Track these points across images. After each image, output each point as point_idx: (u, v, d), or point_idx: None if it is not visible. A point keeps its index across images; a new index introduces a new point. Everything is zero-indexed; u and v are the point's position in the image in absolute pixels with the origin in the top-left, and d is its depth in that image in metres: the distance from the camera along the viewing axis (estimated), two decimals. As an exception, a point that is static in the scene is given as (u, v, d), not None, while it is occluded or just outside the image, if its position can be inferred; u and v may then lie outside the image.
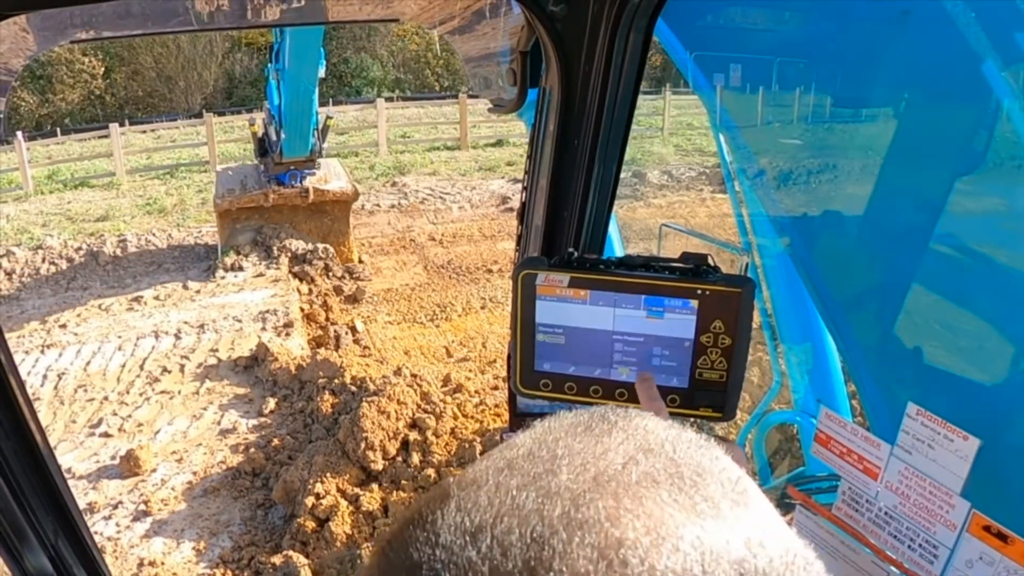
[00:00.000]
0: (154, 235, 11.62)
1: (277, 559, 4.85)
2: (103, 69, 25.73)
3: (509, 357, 1.00)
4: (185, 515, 5.48)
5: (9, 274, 10.19)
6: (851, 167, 1.65)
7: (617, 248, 3.08)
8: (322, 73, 9.27)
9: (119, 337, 8.37)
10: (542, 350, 0.95)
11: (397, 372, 6.60)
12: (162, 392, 7.16)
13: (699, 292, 0.87)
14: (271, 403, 6.80)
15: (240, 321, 8.61)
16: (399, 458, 5.67)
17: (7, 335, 1.13)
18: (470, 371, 7.53)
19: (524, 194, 1.63)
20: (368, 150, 17.92)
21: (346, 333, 8.58)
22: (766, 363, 2.90)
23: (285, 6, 1.58)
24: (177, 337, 8.29)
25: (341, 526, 5.06)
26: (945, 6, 1.20)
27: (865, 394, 1.59)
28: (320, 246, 10.52)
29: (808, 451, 2.19)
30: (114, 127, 16.17)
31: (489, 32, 1.81)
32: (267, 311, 8.81)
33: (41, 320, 8.93)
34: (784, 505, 1.81)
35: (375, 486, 5.45)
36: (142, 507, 5.50)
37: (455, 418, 6.01)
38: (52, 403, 7.01)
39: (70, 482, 2.63)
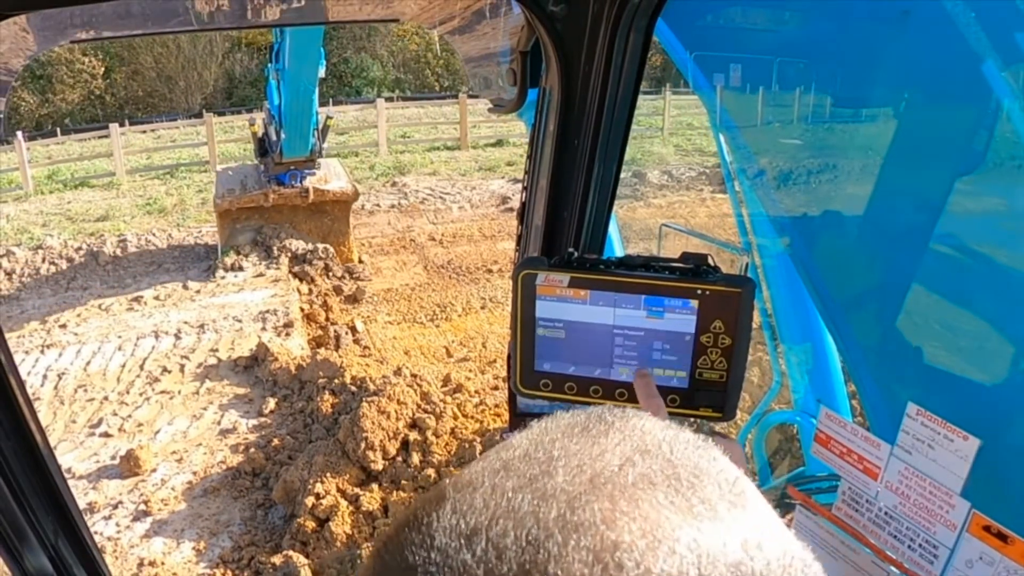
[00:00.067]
0: (154, 235, 11.62)
1: (277, 559, 4.86)
2: (103, 69, 25.73)
3: (509, 357, 1.00)
4: (185, 515, 5.48)
5: (9, 274, 10.20)
6: (851, 167, 1.65)
7: (617, 248, 3.08)
8: (322, 73, 9.27)
9: (119, 337, 8.37)
10: (542, 349, 0.95)
11: (397, 372, 6.60)
12: (162, 392, 7.16)
13: (699, 292, 0.87)
14: (271, 403, 6.80)
15: (240, 321, 8.61)
16: (399, 458, 5.67)
17: (7, 335, 1.13)
18: (470, 371, 7.53)
19: (524, 194, 1.63)
20: (368, 150, 17.92)
21: (346, 333, 8.58)
22: (766, 363, 2.90)
23: (285, 6, 1.58)
24: (177, 337, 8.29)
25: (341, 526, 5.06)
26: (945, 6, 1.20)
27: (865, 394, 1.59)
28: (320, 246, 10.52)
29: (808, 451, 2.19)
30: (114, 127, 16.17)
31: (489, 32, 1.81)
32: (267, 311, 8.81)
33: (41, 320, 8.94)
34: (784, 505, 1.81)
35: (375, 486, 5.45)
36: (142, 507, 5.50)
37: (455, 418, 6.01)
38: (52, 403, 7.01)
39: (70, 482, 2.63)
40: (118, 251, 10.98)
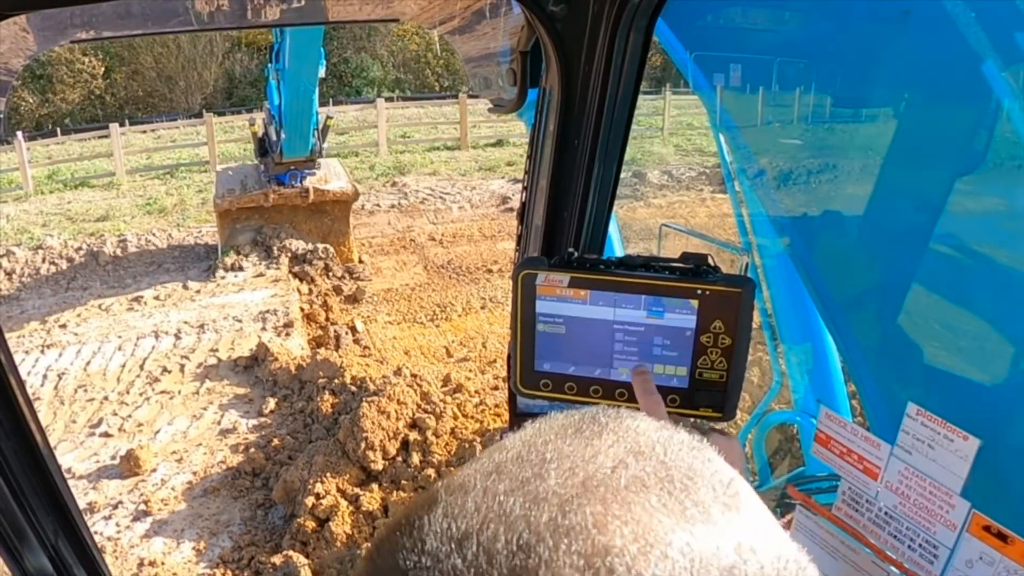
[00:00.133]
0: (154, 235, 11.62)
1: (277, 559, 4.86)
2: (103, 69, 25.73)
3: (509, 357, 1.00)
4: (185, 515, 5.48)
5: (9, 274, 10.20)
6: (851, 167, 1.65)
7: (617, 248, 3.08)
8: (322, 73, 9.27)
9: (119, 337, 8.37)
10: (542, 349, 0.95)
11: (397, 372, 6.60)
12: (162, 392, 7.16)
13: (699, 292, 0.87)
14: (271, 403, 6.80)
15: (240, 321, 8.61)
16: (399, 458, 5.67)
17: (7, 335, 1.13)
18: (470, 371, 7.53)
19: (524, 194, 1.63)
20: (368, 150, 17.92)
21: (346, 333, 8.58)
22: (766, 363, 2.90)
23: (285, 6, 1.58)
24: (177, 337, 8.29)
25: (341, 526, 5.06)
26: (945, 6, 1.20)
27: (865, 394, 1.59)
28: (320, 246, 10.52)
29: (808, 451, 2.19)
30: (114, 127, 16.17)
31: (489, 32, 1.81)
32: (267, 311, 8.81)
33: (41, 320, 8.94)
34: (784, 505, 1.81)
35: (375, 486, 5.45)
36: (142, 507, 5.50)
37: (455, 418, 6.01)
38: (52, 403, 7.01)
39: (70, 482, 2.63)
40: (118, 251, 10.98)
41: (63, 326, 8.73)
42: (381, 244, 12.03)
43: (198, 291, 9.64)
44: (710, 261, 0.89)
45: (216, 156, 16.08)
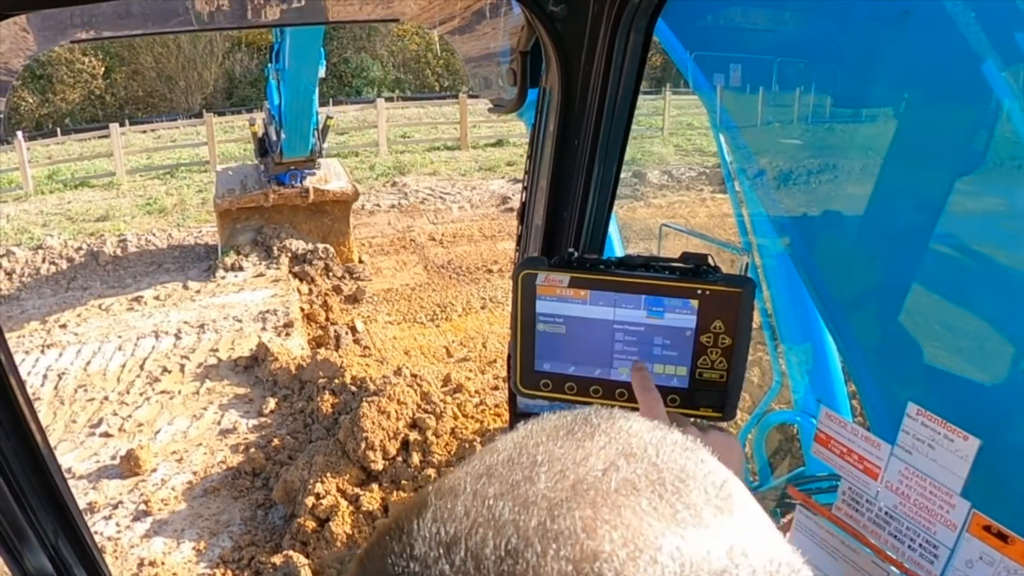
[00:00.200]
0: (154, 235, 11.63)
1: (277, 559, 4.86)
2: (103, 69, 25.73)
3: (509, 357, 1.00)
4: (185, 515, 5.48)
5: (9, 274, 10.20)
6: (851, 167, 1.65)
7: (617, 248, 3.08)
8: (322, 73, 9.27)
9: (119, 337, 8.37)
10: (542, 349, 0.95)
11: (397, 372, 6.60)
12: (162, 392, 7.16)
13: (699, 292, 0.87)
14: (271, 403, 6.80)
15: (240, 321, 8.61)
16: (399, 458, 5.67)
17: (7, 335, 1.13)
18: (470, 371, 7.53)
19: (524, 194, 1.63)
20: (368, 150, 17.92)
21: (346, 333, 8.58)
22: (766, 363, 2.90)
23: (285, 6, 1.58)
24: (177, 337, 8.29)
25: (341, 526, 5.06)
26: (945, 6, 1.20)
27: (865, 394, 1.59)
28: (320, 246, 10.52)
29: (808, 451, 2.19)
30: (114, 127, 16.17)
31: (489, 32, 1.81)
32: (267, 311, 8.81)
33: (41, 320, 8.94)
34: (784, 505, 1.81)
35: (375, 486, 5.45)
36: (142, 507, 5.50)
37: (455, 418, 6.02)
38: (52, 403, 7.01)
39: (70, 482, 2.63)
40: (118, 251, 10.99)
41: (63, 326, 8.73)
42: (381, 244, 12.04)
43: (198, 291, 9.64)
44: (710, 261, 0.89)
45: (216, 156, 16.08)
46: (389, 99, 22.97)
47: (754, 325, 1.08)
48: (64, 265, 10.52)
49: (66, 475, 4.70)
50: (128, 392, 7.19)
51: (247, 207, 10.39)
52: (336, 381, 6.73)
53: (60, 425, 6.64)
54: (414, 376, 6.50)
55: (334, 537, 4.99)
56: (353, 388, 6.55)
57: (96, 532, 5.21)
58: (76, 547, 1.20)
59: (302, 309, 9.16)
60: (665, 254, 1.06)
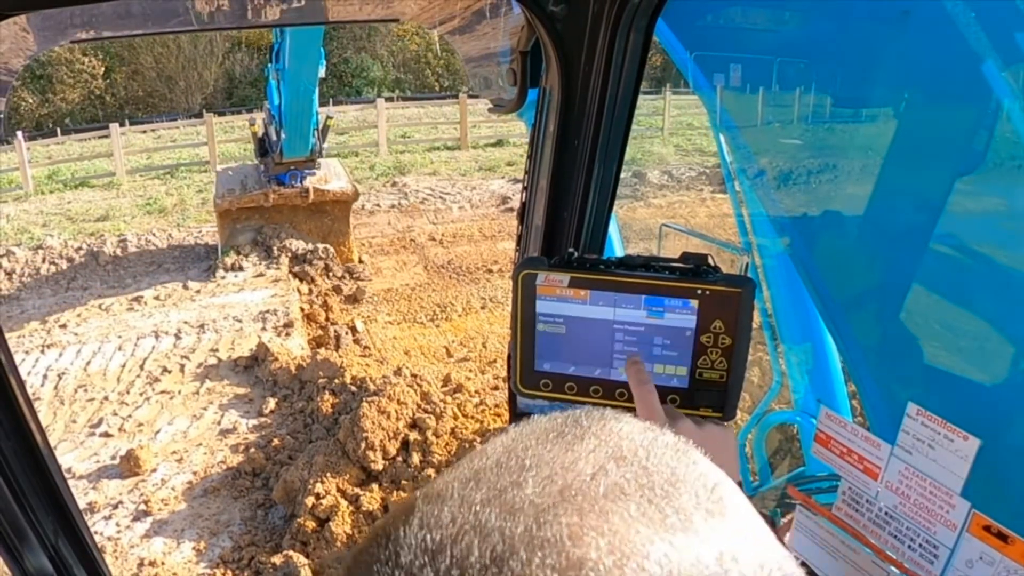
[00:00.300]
0: (154, 235, 11.63)
1: (277, 559, 4.86)
2: (103, 69, 25.73)
3: (509, 357, 1.00)
4: (185, 515, 5.48)
5: (9, 274, 10.20)
6: (851, 167, 1.65)
7: (617, 248, 3.07)
8: (322, 73, 9.27)
9: (119, 337, 8.37)
10: (542, 349, 0.95)
11: (397, 372, 6.60)
12: (162, 392, 7.16)
13: (699, 292, 0.87)
14: (271, 403, 6.80)
15: (240, 321, 8.61)
16: (399, 458, 5.67)
17: (7, 335, 1.13)
18: (470, 371, 7.53)
19: (524, 194, 1.63)
20: (368, 150, 17.92)
21: (346, 333, 8.58)
22: (766, 363, 2.90)
23: (285, 6, 1.58)
24: (177, 337, 8.29)
25: (341, 526, 5.06)
26: (945, 6, 1.20)
27: (865, 394, 1.59)
28: (320, 246, 10.52)
29: (808, 451, 2.19)
30: (114, 127, 16.17)
31: (489, 32, 1.81)
32: (267, 311, 8.81)
33: (41, 320, 8.94)
34: (784, 505, 1.81)
35: (375, 486, 5.45)
36: (142, 507, 5.50)
37: (455, 418, 6.02)
38: (52, 403, 7.01)
39: (70, 482, 2.63)
40: (118, 251, 10.99)
41: (63, 326, 8.73)
42: (381, 244, 12.04)
43: (198, 291, 9.64)
44: (710, 261, 0.89)
45: (216, 156, 16.08)
46: (389, 99, 22.97)
47: (754, 325, 1.08)
48: (64, 265, 10.52)
49: (66, 475, 4.70)
50: (128, 392, 7.19)
51: (247, 207, 10.39)
52: (336, 381, 6.73)
53: (60, 425, 6.64)
54: (414, 376, 6.50)
55: (334, 537, 4.99)
56: (353, 388, 6.55)
57: (96, 532, 5.21)
58: (76, 547, 1.20)
59: (302, 309, 9.16)
60: (665, 254, 1.06)
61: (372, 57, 29.08)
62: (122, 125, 18.70)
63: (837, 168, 1.70)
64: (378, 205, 13.62)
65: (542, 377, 0.96)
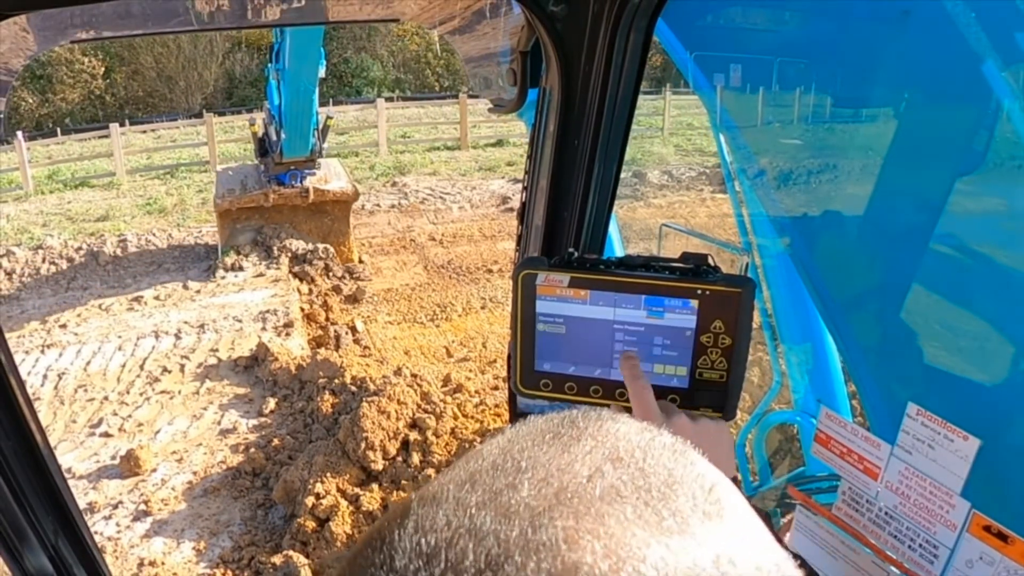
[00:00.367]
0: (154, 235, 11.63)
1: (277, 559, 4.86)
2: (103, 69, 25.73)
3: (509, 357, 1.00)
4: (185, 515, 5.48)
5: (9, 274, 10.20)
6: (851, 167, 1.65)
7: (617, 248, 3.07)
8: (322, 73, 9.27)
9: (119, 337, 8.37)
10: (542, 349, 0.95)
11: (397, 372, 6.60)
12: (162, 392, 7.16)
13: (699, 292, 0.87)
14: (271, 403, 6.80)
15: (240, 321, 8.61)
16: (399, 458, 5.67)
17: (7, 335, 1.13)
18: (470, 371, 7.53)
19: (524, 194, 1.63)
20: (368, 150, 17.92)
21: (346, 333, 8.58)
22: (766, 363, 2.90)
23: (285, 6, 1.58)
24: (177, 337, 8.29)
25: (341, 526, 5.06)
26: (945, 6, 1.20)
27: (865, 394, 1.59)
28: (320, 246, 10.52)
29: (808, 451, 2.19)
30: (114, 127, 16.17)
31: (489, 32, 1.81)
32: (267, 311, 8.81)
33: (41, 320, 8.94)
34: (784, 505, 1.81)
35: (375, 486, 5.45)
36: (142, 507, 5.50)
37: (455, 418, 6.01)
38: (52, 403, 7.01)
39: (70, 482, 2.63)
40: (118, 251, 10.99)
41: (63, 326, 8.73)
42: (381, 244, 12.04)
43: (198, 291, 9.64)
44: (710, 261, 0.89)
45: (216, 156, 16.08)
46: (389, 99, 22.97)
47: (754, 325, 1.08)
48: (64, 265, 10.52)
49: (66, 475, 4.70)
50: (128, 392, 7.19)
51: (247, 207, 10.39)
52: (336, 381, 6.73)
53: (60, 425, 6.64)
54: (414, 376, 6.50)
55: (334, 537, 4.99)
56: (353, 388, 6.55)
57: (96, 532, 5.21)
58: (76, 547, 1.20)
59: (302, 309, 9.16)
60: (665, 254, 1.06)
61: (372, 57, 29.08)
62: (122, 125, 18.70)
63: (837, 168, 1.70)
64: (378, 205, 13.62)
65: (542, 377, 0.96)
